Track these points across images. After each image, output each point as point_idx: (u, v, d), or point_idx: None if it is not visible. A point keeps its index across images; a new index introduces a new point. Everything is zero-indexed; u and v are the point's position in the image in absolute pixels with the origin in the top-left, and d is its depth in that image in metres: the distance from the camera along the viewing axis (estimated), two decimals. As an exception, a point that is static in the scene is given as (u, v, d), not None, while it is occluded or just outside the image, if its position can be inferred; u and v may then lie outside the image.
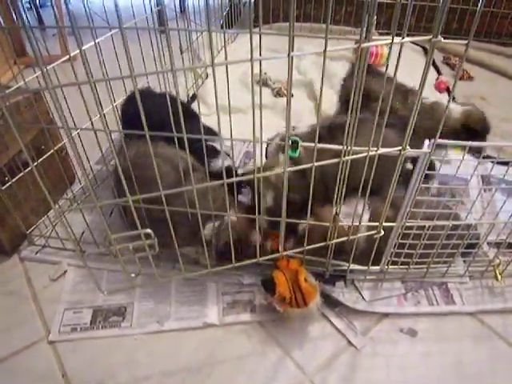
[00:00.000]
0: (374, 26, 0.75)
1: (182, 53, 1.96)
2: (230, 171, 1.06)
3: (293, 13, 0.67)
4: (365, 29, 0.73)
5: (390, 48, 0.78)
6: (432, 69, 2.66)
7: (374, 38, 0.77)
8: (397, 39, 0.76)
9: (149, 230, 0.93)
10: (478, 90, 2.43)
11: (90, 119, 1.02)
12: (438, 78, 2.47)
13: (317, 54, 2.64)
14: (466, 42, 0.79)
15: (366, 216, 1.18)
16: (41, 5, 3.51)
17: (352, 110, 0.86)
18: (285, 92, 2.32)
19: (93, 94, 0.74)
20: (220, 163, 1.27)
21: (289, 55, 0.70)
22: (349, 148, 0.92)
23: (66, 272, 1.39)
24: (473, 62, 2.74)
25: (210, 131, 1.26)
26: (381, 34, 2.74)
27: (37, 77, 1.22)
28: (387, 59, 0.82)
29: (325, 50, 0.71)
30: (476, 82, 2.56)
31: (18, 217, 1.37)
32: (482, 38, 2.92)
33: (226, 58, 0.75)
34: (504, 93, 2.44)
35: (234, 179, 0.97)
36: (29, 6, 3.34)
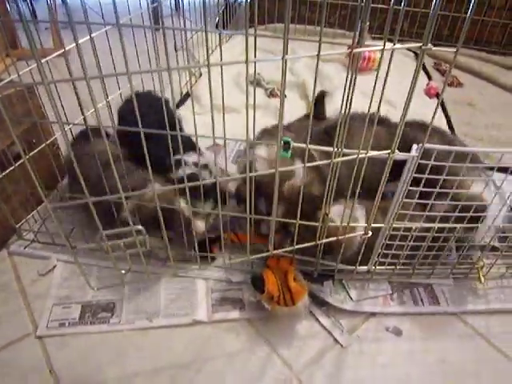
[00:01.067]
0: (366, 31, 0.77)
1: (176, 51, 1.96)
2: (192, 179, 1.09)
3: (288, 15, 0.69)
4: (357, 34, 0.75)
5: (382, 54, 0.80)
6: (423, 74, 2.69)
7: (366, 43, 0.79)
8: (388, 45, 0.77)
9: (140, 227, 0.94)
10: (467, 97, 2.46)
11: (83, 114, 1.03)
12: (428, 84, 2.50)
13: (311, 59, 2.68)
14: (455, 49, 0.81)
15: (362, 221, 1.19)
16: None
17: (344, 111, 0.88)
18: (278, 93, 2.34)
19: (88, 90, 0.75)
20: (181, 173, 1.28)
21: (283, 58, 0.71)
22: (339, 150, 0.94)
23: (55, 267, 1.39)
24: (463, 69, 2.77)
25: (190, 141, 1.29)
26: (374, 39, 2.77)
27: (30, 70, 1.23)
28: (378, 64, 0.83)
29: (318, 54, 0.72)
30: (465, 89, 2.60)
31: (6, 211, 1.37)
32: (473, 45, 2.96)
33: (221, 59, 0.77)
34: (492, 99, 2.48)
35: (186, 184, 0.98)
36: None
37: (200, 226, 1.24)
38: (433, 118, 0.92)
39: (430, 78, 2.66)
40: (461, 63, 2.79)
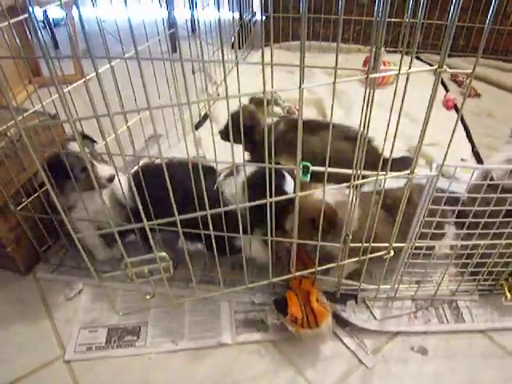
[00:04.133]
0: (381, 56, 0.77)
1: (194, 73, 2.00)
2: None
3: (303, 41, 0.70)
4: (373, 60, 0.76)
5: (397, 77, 0.80)
6: (440, 86, 2.67)
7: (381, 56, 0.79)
8: (404, 68, 0.78)
9: (164, 254, 0.96)
10: (486, 107, 2.43)
11: (106, 144, 1.05)
12: (445, 96, 2.48)
13: (324, 72, 2.70)
14: (470, 70, 0.82)
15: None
16: (54, 24, 3.56)
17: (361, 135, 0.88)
18: (295, 111, 2.35)
19: (111, 124, 0.77)
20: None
21: (300, 87, 0.73)
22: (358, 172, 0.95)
23: (81, 291, 1.42)
24: (480, 79, 2.73)
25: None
26: (389, 52, 2.77)
27: (53, 101, 1.26)
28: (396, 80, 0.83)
29: (334, 82, 0.74)
30: (483, 99, 2.56)
31: (33, 237, 1.40)
32: (489, 54, 2.93)
33: (238, 91, 0.78)
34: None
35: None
36: (43, 25, 3.40)
37: None
38: (453, 132, 0.92)
39: (446, 89, 2.63)
40: (477, 73, 2.75)
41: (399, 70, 0.77)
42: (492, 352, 1.24)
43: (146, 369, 1.21)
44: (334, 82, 0.73)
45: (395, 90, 0.82)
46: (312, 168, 0.94)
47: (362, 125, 0.87)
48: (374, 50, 0.76)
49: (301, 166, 0.92)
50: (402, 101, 0.84)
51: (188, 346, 1.26)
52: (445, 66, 0.79)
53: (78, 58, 2.24)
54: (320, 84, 0.80)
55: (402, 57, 0.76)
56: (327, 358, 1.23)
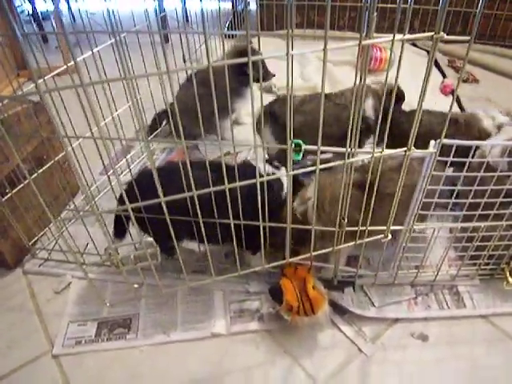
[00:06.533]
0: (374, 21, 0.73)
1: (184, 62, 1.95)
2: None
3: (291, 11, 0.66)
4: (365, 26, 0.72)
5: (392, 46, 0.76)
6: (437, 72, 2.64)
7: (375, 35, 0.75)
8: (398, 36, 0.74)
9: (150, 239, 0.92)
10: (484, 93, 2.41)
11: (90, 129, 1.01)
12: (443, 82, 2.46)
13: (319, 59, 2.65)
14: (468, 41, 0.78)
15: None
16: (43, 17, 3.50)
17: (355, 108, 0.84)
18: (289, 99, 2.31)
19: (95, 96, 0.73)
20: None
21: (287, 54, 0.69)
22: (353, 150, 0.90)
23: (69, 284, 1.37)
24: (478, 65, 2.72)
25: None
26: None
27: (36, 87, 1.22)
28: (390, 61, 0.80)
29: (325, 49, 0.69)
30: (482, 85, 2.55)
31: (19, 229, 1.36)
32: (486, 40, 2.90)
33: (224, 58, 0.74)
34: (510, 95, 2.42)
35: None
36: (31, 18, 3.36)
37: None
38: (449, 111, 0.89)
39: (444, 76, 2.61)
40: (475, 59, 2.74)
41: (393, 37, 0.73)
42: (494, 337, 1.21)
43: (138, 361, 1.17)
44: (325, 49, 0.69)
45: (389, 61, 0.79)
46: (305, 147, 0.90)
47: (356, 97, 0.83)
48: (366, 15, 0.72)
49: (292, 145, 0.88)
50: (396, 76, 0.81)
51: (181, 338, 1.22)
52: (442, 33, 0.75)
53: (66, 36, 2.19)
54: (310, 51, 0.76)
55: (396, 25, 0.72)
56: (325, 346, 1.19)
